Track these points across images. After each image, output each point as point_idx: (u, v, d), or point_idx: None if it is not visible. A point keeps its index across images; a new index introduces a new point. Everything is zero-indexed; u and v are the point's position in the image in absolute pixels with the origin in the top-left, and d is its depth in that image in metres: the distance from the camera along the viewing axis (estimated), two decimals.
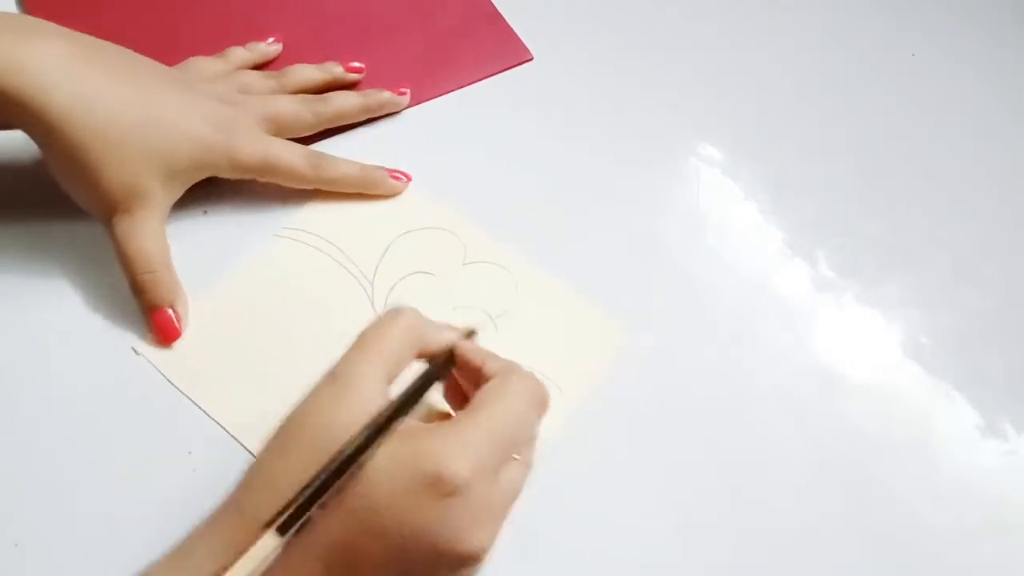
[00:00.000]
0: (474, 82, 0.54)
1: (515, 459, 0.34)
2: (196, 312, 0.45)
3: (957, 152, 0.55)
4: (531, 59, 0.56)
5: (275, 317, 0.45)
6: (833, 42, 0.59)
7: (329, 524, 0.31)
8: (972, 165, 0.54)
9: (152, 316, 0.44)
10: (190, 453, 0.41)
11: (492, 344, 0.45)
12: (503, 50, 0.56)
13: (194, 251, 0.46)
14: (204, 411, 0.42)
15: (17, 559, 0.38)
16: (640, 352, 0.46)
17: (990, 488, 0.44)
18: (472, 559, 0.32)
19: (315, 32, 0.55)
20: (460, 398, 0.38)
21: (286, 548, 0.31)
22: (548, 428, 0.42)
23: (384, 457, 0.32)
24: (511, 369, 0.36)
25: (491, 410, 0.33)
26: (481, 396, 0.34)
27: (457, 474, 0.31)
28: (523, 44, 0.56)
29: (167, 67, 0.48)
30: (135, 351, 0.43)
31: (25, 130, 0.42)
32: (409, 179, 0.50)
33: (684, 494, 0.42)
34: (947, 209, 0.52)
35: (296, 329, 0.45)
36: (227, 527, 0.32)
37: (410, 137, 0.52)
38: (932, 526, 0.42)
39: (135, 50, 0.46)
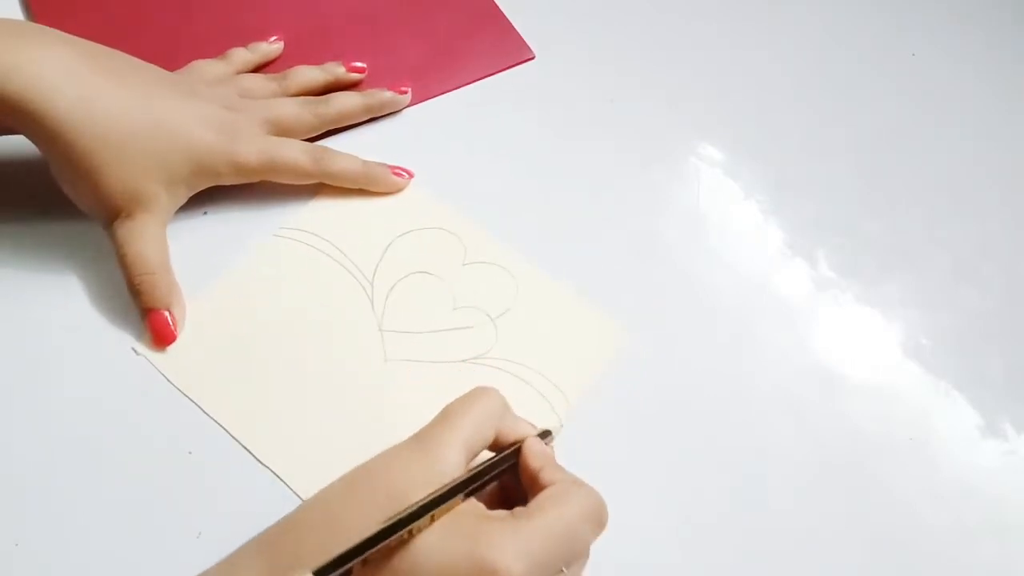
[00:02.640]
0: (475, 81, 0.54)
1: (563, 572, 0.33)
2: (196, 312, 0.45)
3: (957, 152, 0.55)
4: (533, 58, 0.56)
5: (275, 317, 0.45)
6: (833, 42, 0.59)
7: None
8: (972, 165, 0.54)
9: (148, 318, 0.44)
10: (190, 453, 0.41)
11: (492, 344, 0.45)
12: (505, 49, 0.56)
13: (194, 251, 0.46)
14: (204, 411, 0.42)
15: (17, 559, 0.38)
16: (640, 352, 0.46)
17: (990, 488, 0.44)
18: None
19: (317, 32, 0.55)
20: (499, 496, 0.37)
21: None
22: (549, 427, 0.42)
23: (440, 532, 0.31)
24: (575, 480, 0.35)
25: (551, 516, 0.33)
26: (543, 499, 0.34)
27: (509, 571, 0.31)
28: (525, 43, 0.56)
29: (169, 72, 0.48)
30: (135, 351, 0.43)
31: (27, 134, 0.42)
32: (411, 175, 0.50)
33: (684, 494, 0.42)
34: (947, 209, 0.52)
35: (296, 329, 0.45)
36: (280, 553, 0.32)
37: (411, 136, 0.52)
38: (932, 526, 0.42)
39: (138, 50, 0.46)
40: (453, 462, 0.33)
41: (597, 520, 0.34)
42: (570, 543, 0.33)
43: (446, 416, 0.35)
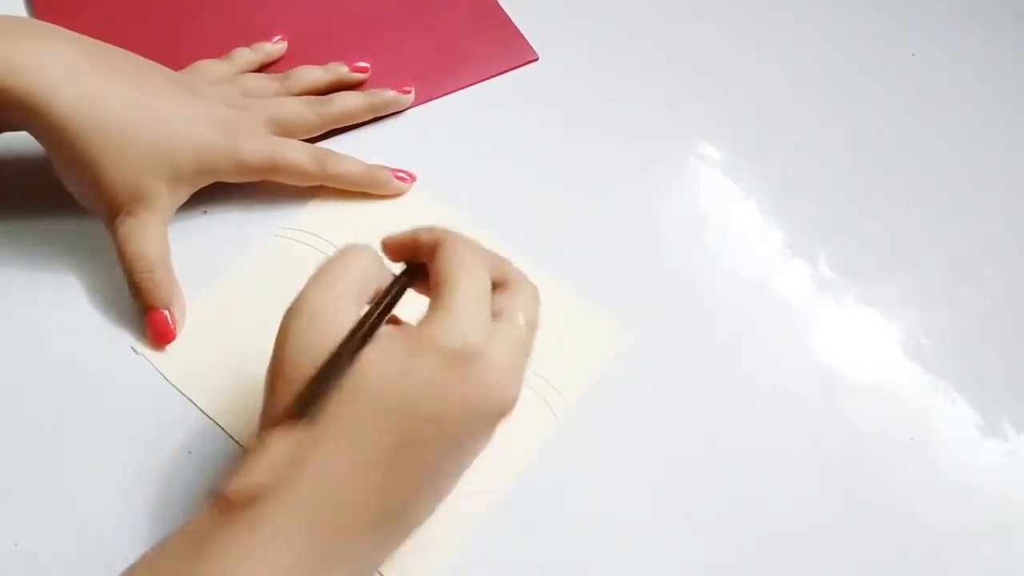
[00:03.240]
0: (479, 82, 0.54)
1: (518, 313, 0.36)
2: (195, 312, 0.45)
3: (957, 152, 0.55)
4: (536, 59, 0.56)
5: (275, 317, 0.45)
6: (833, 42, 0.59)
7: (379, 436, 0.31)
8: (972, 165, 0.54)
9: (148, 317, 0.44)
10: (190, 453, 0.41)
11: None
12: (508, 50, 0.56)
13: (194, 251, 0.46)
14: (204, 411, 0.42)
15: (17, 559, 0.38)
16: (640, 352, 0.46)
17: (990, 488, 0.44)
18: (508, 410, 0.34)
19: (320, 32, 0.55)
20: None
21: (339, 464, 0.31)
22: (548, 428, 0.42)
23: (387, 360, 0.32)
24: (445, 234, 0.36)
25: (455, 276, 0.34)
26: (438, 271, 0.35)
27: (473, 341, 0.32)
28: (528, 44, 0.56)
29: (172, 71, 0.48)
30: (134, 350, 0.43)
31: (30, 131, 0.43)
32: (414, 179, 0.50)
33: (684, 494, 0.42)
34: (947, 209, 0.52)
35: None
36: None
37: (414, 137, 0.52)
38: (932, 526, 0.42)
39: (142, 51, 0.47)
40: (347, 317, 0.34)
41: (476, 248, 0.36)
42: (485, 281, 0.35)
43: (325, 276, 0.35)
